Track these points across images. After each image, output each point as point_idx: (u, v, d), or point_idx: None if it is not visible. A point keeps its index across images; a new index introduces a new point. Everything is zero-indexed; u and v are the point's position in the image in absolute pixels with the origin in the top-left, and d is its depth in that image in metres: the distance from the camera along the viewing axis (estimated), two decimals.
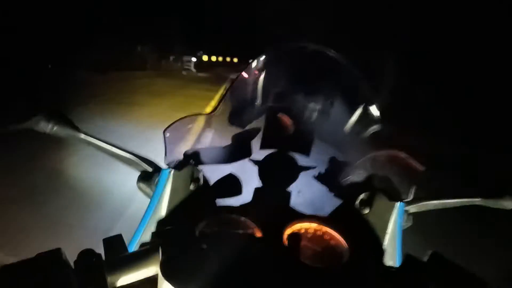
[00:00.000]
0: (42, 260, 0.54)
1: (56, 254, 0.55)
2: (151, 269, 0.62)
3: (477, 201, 0.96)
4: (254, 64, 1.04)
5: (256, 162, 1.03)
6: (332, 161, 1.04)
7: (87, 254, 0.57)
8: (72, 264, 0.56)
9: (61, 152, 5.76)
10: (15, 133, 0.83)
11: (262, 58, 1.04)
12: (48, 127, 0.83)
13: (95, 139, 0.90)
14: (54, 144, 5.60)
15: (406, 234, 0.88)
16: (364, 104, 0.99)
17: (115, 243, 0.65)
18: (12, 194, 4.26)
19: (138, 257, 0.62)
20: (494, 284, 0.62)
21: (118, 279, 0.58)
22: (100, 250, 0.61)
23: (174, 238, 0.68)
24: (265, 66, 1.04)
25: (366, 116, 1.00)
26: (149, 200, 0.87)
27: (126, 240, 0.70)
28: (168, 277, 0.57)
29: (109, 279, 0.56)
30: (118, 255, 0.63)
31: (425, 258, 0.67)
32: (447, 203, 0.98)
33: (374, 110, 0.99)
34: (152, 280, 0.63)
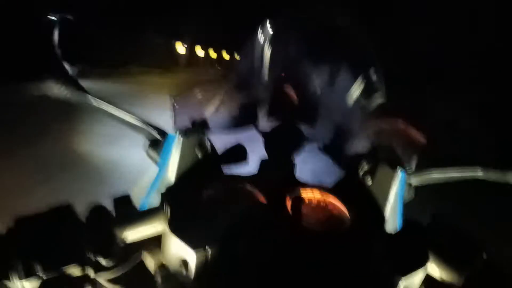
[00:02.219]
0: (53, 213, 0.57)
1: (66, 208, 0.57)
2: (158, 226, 0.64)
3: (479, 174, 0.96)
4: (260, 34, 1.04)
5: (262, 132, 1.04)
6: (336, 132, 1.05)
7: (97, 210, 0.59)
8: (82, 218, 0.58)
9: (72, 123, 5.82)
10: (27, 97, 0.85)
11: (268, 27, 1.04)
12: (60, 90, 0.84)
13: (106, 105, 0.91)
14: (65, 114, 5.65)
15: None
16: (369, 74, 0.99)
17: (124, 202, 0.67)
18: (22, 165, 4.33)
19: (146, 214, 0.64)
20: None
21: (126, 234, 0.61)
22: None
23: (182, 199, 0.70)
24: (271, 36, 1.04)
25: (369, 86, 0.99)
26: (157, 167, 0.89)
27: (135, 205, 0.72)
28: (174, 231, 0.59)
29: (117, 234, 0.59)
30: (127, 212, 0.65)
31: (425, 223, 0.68)
32: (449, 176, 0.98)
33: (378, 80, 0.99)
34: (159, 238, 0.65)
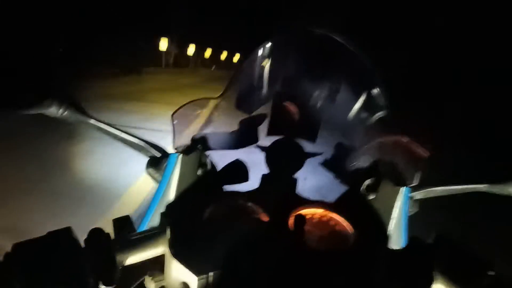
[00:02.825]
0: (52, 238, 0.56)
1: (66, 233, 0.57)
2: (159, 249, 0.63)
3: (483, 187, 0.96)
4: (261, 49, 1.04)
5: (263, 149, 1.04)
6: (338, 148, 1.05)
7: (97, 233, 0.58)
8: (82, 242, 0.57)
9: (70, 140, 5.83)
10: (25, 117, 0.84)
11: (269, 43, 1.04)
12: (58, 111, 0.84)
13: (105, 125, 0.91)
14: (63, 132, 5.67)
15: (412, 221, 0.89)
16: (370, 89, 0.99)
17: (123, 224, 0.66)
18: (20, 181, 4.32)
19: (146, 237, 0.63)
20: (500, 267, 0.62)
21: (126, 258, 0.60)
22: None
23: (182, 220, 0.70)
24: (272, 51, 1.04)
25: (372, 102, 0.99)
26: (157, 185, 0.88)
27: (135, 225, 0.71)
28: (176, 255, 0.59)
29: (118, 258, 0.58)
30: (127, 235, 0.64)
31: (431, 241, 0.67)
32: (452, 190, 0.98)
33: (380, 96, 0.99)
34: (160, 260, 0.64)
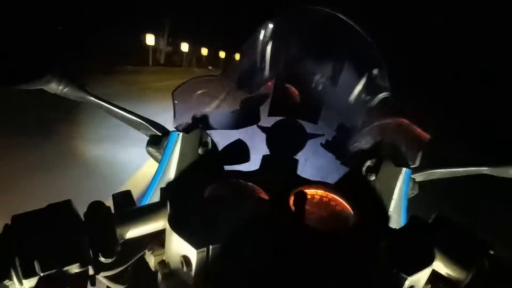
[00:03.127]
0: (52, 210, 0.56)
1: (66, 205, 0.57)
2: (159, 223, 0.63)
3: (484, 170, 0.95)
4: (263, 28, 1.03)
5: (264, 129, 1.04)
6: (340, 129, 1.04)
7: (97, 206, 0.58)
8: (82, 215, 0.57)
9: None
10: (26, 92, 0.84)
11: (271, 23, 1.03)
12: (58, 87, 0.83)
13: (105, 102, 0.90)
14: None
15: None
16: (373, 70, 0.98)
17: (124, 198, 0.66)
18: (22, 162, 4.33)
19: (146, 211, 0.63)
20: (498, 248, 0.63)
21: (127, 232, 0.60)
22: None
23: (183, 196, 0.70)
24: (274, 31, 1.03)
25: (374, 83, 0.99)
26: (158, 164, 0.88)
27: (135, 201, 0.71)
28: (176, 229, 0.59)
29: (118, 231, 0.58)
30: (128, 209, 0.64)
31: (430, 220, 0.67)
32: (453, 172, 0.98)
33: (383, 77, 0.98)
34: (160, 235, 0.64)
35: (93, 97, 0.89)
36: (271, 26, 1.03)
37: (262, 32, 1.03)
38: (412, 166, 0.85)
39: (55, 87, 0.83)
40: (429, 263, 0.61)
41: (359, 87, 1.00)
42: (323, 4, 0.97)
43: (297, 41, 1.04)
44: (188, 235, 0.58)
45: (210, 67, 37.33)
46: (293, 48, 1.04)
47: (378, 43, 0.95)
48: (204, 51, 39.42)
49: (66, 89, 0.84)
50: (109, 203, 0.62)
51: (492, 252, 0.62)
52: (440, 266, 0.62)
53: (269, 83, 1.04)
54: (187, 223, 0.60)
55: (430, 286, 0.64)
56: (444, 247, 0.63)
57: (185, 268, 0.58)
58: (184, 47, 31.65)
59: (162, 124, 0.97)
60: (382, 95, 0.98)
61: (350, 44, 0.98)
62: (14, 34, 0.79)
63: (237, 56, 1.05)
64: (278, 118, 1.04)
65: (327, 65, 1.03)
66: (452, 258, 0.62)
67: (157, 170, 0.86)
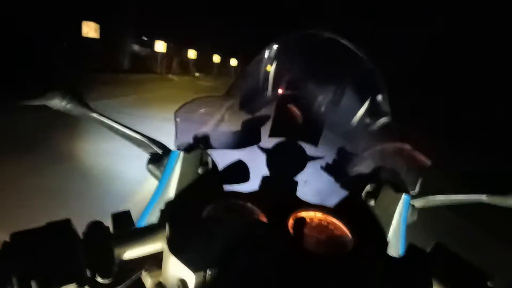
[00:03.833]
0: (51, 228, 0.55)
1: (65, 224, 0.56)
2: (158, 245, 0.63)
3: (484, 198, 0.95)
4: (266, 51, 1.04)
5: (264, 150, 1.04)
6: (340, 152, 1.05)
7: (96, 226, 0.58)
8: (80, 235, 0.57)
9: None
10: (28, 108, 0.84)
11: (275, 45, 1.04)
12: (61, 103, 0.83)
13: (107, 119, 0.90)
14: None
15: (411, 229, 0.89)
16: (375, 95, 0.99)
17: (123, 218, 0.66)
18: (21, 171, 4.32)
19: (145, 232, 0.63)
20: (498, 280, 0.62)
21: (124, 252, 0.59)
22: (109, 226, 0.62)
23: (182, 217, 0.69)
24: (277, 54, 1.04)
25: (375, 107, 0.99)
26: (157, 182, 0.88)
27: (134, 220, 0.71)
28: (174, 251, 0.58)
29: (116, 251, 0.57)
30: (126, 229, 0.64)
31: (429, 249, 0.67)
32: (453, 200, 0.97)
33: (385, 102, 0.99)
34: (157, 256, 0.64)
35: (96, 113, 0.89)
36: (274, 48, 1.04)
37: (266, 54, 1.04)
38: (412, 193, 0.85)
39: (58, 103, 0.83)
40: None
41: (360, 111, 1.00)
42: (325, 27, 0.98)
43: (300, 63, 1.05)
44: (186, 258, 0.58)
45: (197, 74, 31.55)
46: (296, 70, 1.06)
47: (380, 67, 0.96)
48: (192, 54, 32.31)
49: (68, 105, 0.85)
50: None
51: (490, 284, 0.62)
52: None
53: (271, 104, 1.05)
54: (185, 246, 0.60)
55: None
56: (442, 277, 0.62)
57: None
58: (159, 46, 25.16)
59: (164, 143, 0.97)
60: (383, 119, 0.99)
61: (352, 68, 0.99)
62: (18, 50, 0.79)
63: (240, 78, 1.06)
64: (279, 139, 1.05)
65: (329, 88, 1.04)
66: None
67: (156, 188, 0.86)
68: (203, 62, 34.09)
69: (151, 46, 25.27)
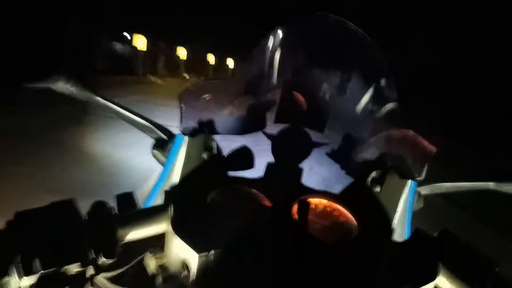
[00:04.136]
0: (55, 208, 0.56)
1: (69, 204, 0.57)
2: (161, 226, 0.63)
3: (491, 185, 0.94)
4: (272, 36, 1.03)
5: (269, 136, 1.03)
6: (346, 139, 1.04)
7: (100, 206, 0.58)
8: (84, 215, 0.57)
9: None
10: (34, 91, 0.84)
11: (280, 30, 1.03)
12: (66, 87, 0.83)
13: (112, 104, 0.90)
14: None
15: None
16: (380, 81, 0.98)
17: (127, 199, 0.66)
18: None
19: (149, 213, 0.63)
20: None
21: (128, 233, 0.60)
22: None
23: (186, 200, 0.69)
24: (283, 39, 1.03)
25: (381, 93, 0.98)
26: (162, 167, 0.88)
27: (139, 204, 0.71)
28: (178, 232, 0.58)
29: (120, 232, 0.58)
30: (130, 210, 0.64)
31: (434, 235, 0.66)
32: (459, 187, 0.96)
33: (390, 88, 0.97)
34: (161, 238, 0.64)
35: (101, 98, 0.89)
36: (280, 33, 1.03)
37: (271, 39, 1.03)
38: (417, 179, 0.84)
39: (62, 87, 0.83)
40: (433, 278, 0.60)
41: (366, 97, 0.99)
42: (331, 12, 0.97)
43: (306, 49, 1.04)
44: (190, 239, 0.58)
45: (186, 75, 27.23)
46: (301, 56, 1.04)
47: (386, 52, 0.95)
48: (182, 52, 27.09)
49: (73, 89, 0.84)
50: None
51: (496, 270, 0.61)
52: (443, 281, 0.62)
53: (276, 90, 1.04)
54: (189, 227, 0.60)
55: None
56: (449, 263, 0.62)
57: (185, 272, 0.57)
58: (139, 42, 20.82)
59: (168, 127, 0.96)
60: (389, 105, 0.98)
61: (358, 53, 0.98)
62: (23, 35, 0.79)
63: (246, 63, 1.05)
64: (284, 126, 1.04)
65: (335, 74, 1.03)
66: (456, 274, 0.61)
67: (161, 173, 0.86)
68: (196, 63, 29.59)
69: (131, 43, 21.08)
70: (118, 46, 19.82)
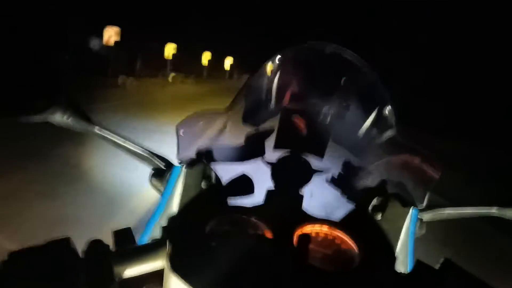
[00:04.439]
0: (51, 247, 0.55)
1: (65, 242, 0.56)
2: (158, 262, 0.62)
3: (494, 211, 0.93)
4: (269, 63, 1.04)
5: (269, 163, 1.03)
6: (346, 165, 1.03)
7: (95, 244, 0.57)
8: (80, 253, 0.56)
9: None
10: (31, 124, 0.84)
11: (278, 57, 1.04)
12: (63, 119, 0.83)
13: (109, 134, 0.90)
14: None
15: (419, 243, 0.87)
16: (380, 107, 0.98)
17: (124, 236, 0.65)
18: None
19: (145, 250, 0.62)
20: None
21: (125, 270, 0.59)
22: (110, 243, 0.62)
23: (183, 233, 0.68)
24: (280, 66, 1.04)
25: (381, 119, 0.98)
26: (160, 197, 0.87)
27: (136, 236, 0.70)
28: (175, 269, 0.57)
29: (116, 270, 0.57)
30: (127, 247, 0.63)
31: (437, 266, 0.65)
32: (462, 213, 0.96)
33: (390, 114, 0.98)
34: (158, 274, 0.63)
35: (97, 128, 0.89)
36: (277, 61, 1.04)
37: (269, 66, 1.03)
38: (419, 206, 0.83)
39: (59, 119, 0.83)
40: None
41: (366, 123, 0.99)
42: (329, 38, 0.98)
43: (304, 76, 1.04)
44: (189, 276, 0.56)
45: (172, 75, 22.84)
46: (300, 82, 1.05)
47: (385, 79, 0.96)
48: (169, 49, 23.36)
49: (70, 121, 0.85)
50: None
51: None
52: None
53: (275, 117, 1.04)
54: (187, 264, 0.59)
55: None
56: None
57: None
58: (110, 35, 17.48)
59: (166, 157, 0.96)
60: (389, 132, 0.98)
61: (357, 80, 0.99)
62: (17, 66, 0.80)
63: (243, 91, 1.05)
64: (283, 152, 1.04)
65: (334, 99, 1.03)
66: None
67: (159, 203, 0.85)
68: (188, 61, 25.52)
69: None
70: (91, 43, 16.88)
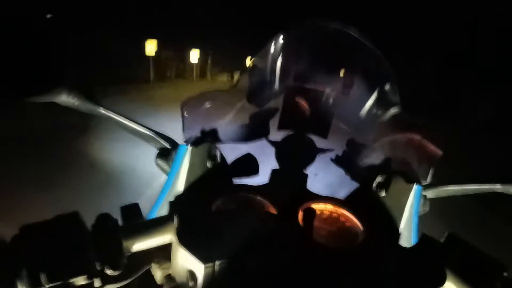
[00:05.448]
0: (60, 221, 0.56)
1: (74, 217, 0.57)
2: (167, 237, 0.63)
3: (497, 187, 0.94)
4: (273, 42, 1.03)
5: (273, 143, 1.03)
6: (350, 144, 1.04)
7: (104, 218, 0.58)
8: (89, 227, 0.57)
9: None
10: (37, 104, 0.84)
11: (281, 36, 1.03)
12: (69, 100, 0.84)
13: (115, 115, 0.91)
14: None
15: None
16: (384, 85, 0.98)
17: (131, 211, 0.66)
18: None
19: (153, 224, 0.63)
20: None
21: (133, 244, 0.60)
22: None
23: (191, 209, 0.69)
24: (284, 45, 1.03)
25: (385, 98, 0.98)
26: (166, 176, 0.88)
27: (144, 214, 0.71)
28: (183, 243, 0.58)
29: (125, 244, 0.58)
30: (135, 222, 0.64)
31: (441, 240, 0.66)
32: (465, 189, 0.96)
33: (394, 91, 0.97)
34: (167, 248, 0.64)
35: (103, 109, 0.89)
36: (281, 40, 1.03)
37: (272, 46, 1.03)
38: (423, 183, 0.83)
39: (65, 100, 0.83)
40: (440, 283, 0.60)
41: (370, 102, 0.99)
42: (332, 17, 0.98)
43: (307, 55, 1.04)
44: (195, 249, 0.57)
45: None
46: (303, 61, 1.04)
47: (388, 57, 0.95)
48: (152, 45, 17.95)
49: (76, 102, 0.85)
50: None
51: (505, 274, 0.60)
52: (451, 287, 0.61)
53: (279, 97, 1.04)
54: (194, 237, 0.60)
55: None
56: (456, 268, 0.61)
57: (191, 283, 0.57)
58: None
59: (171, 136, 0.97)
60: (393, 110, 0.98)
61: (360, 58, 0.98)
62: (24, 48, 0.80)
63: (248, 70, 1.05)
64: (288, 132, 1.04)
65: (337, 79, 1.03)
66: (464, 279, 0.60)
67: (165, 183, 0.86)
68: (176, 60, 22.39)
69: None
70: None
